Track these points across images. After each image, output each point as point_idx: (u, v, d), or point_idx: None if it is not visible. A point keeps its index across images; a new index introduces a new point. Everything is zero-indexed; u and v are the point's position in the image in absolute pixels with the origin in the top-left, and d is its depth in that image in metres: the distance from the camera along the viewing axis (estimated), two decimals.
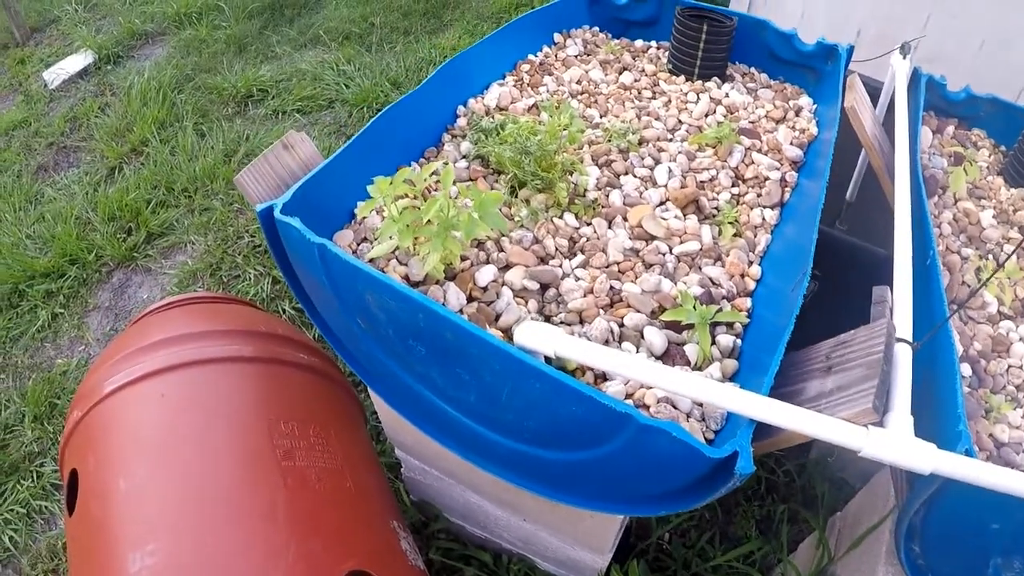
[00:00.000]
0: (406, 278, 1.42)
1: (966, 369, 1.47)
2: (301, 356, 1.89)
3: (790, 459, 2.66)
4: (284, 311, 3.19)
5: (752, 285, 1.52)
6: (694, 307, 1.35)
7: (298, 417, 1.72)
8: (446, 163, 1.41)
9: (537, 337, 1.14)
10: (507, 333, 1.32)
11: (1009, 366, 1.52)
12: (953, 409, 1.21)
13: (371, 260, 1.44)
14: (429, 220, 1.35)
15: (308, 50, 5.09)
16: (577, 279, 1.46)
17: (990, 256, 1.76)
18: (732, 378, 1.33)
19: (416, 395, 1.44)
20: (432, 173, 1.42)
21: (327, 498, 1.61)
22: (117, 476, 1.52)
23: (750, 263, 1.57)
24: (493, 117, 1.85)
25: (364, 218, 1.54)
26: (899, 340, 1.26)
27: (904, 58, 2.17)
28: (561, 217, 1.59)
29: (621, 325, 1.38)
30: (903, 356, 1.24)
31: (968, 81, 2.21)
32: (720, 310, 1.38)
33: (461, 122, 1.87)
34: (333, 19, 5.39)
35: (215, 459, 1.55)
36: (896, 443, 1.08)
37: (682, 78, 2.19)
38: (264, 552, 1.42)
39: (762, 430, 1.20)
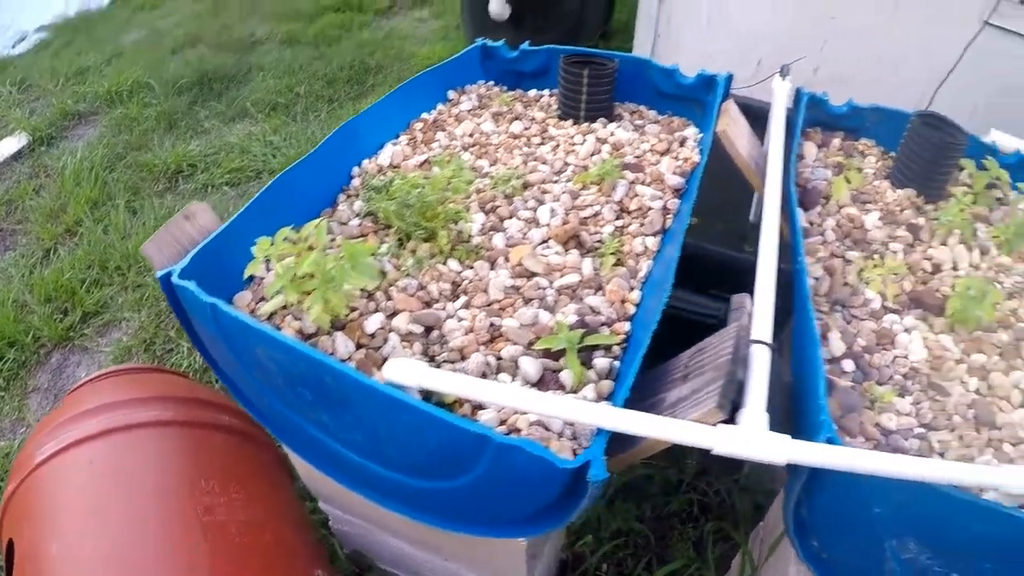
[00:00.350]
0: (300, 332, 1.49)
1: (849, 365, 1.55)
2: (223, 418, 1.96)
3: (723, 478, 2.74)
4: (216, 380, 3.24)
5: (632, 310, 1.60)
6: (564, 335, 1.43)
7: (219, 475, 1.79)
8: (319, 222, 1.49)
9: (402, 372, 1.22)
10: None
11: (895, 357, 1.60)
12: (816, 400, 1.29)
13: (269, 317, 1.53)
14: (312, 275, 1.43)
15: (236, 123, 5.18)
16: (460, 319, 1.55)
17: (875, 255, 1.86)
18: (608, 397, 1.41)
19: (316, 441, 1.51)
20: (312, 230, 1.51)
21: (248, 550, 1.68)
22: (50, 541, 1.58)
23: (631, 289, 1.65)
24: (385, 175, 1.94)
25: (262, 278, 1.62)
26: (756, 342, 1.35)
27: (783, 79, 2.29)
28: (445, 263, 1.68)
29: (499, 358, 1.46)
30: (760, 356, 1.33)
31: (872, 97, 2.31)
32: (587, 334, 1.46)
33: (356, 182, 1.96)
34: (260, 91, 5.48)
35: (139, 518, 1.62)
36: (746, 438, 1.16)
37: (570, 122, 2.30)
38: None
39: (626, 441, 1.29)
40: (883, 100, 2.34)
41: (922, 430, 1.46)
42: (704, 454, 2.47)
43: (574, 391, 1.41)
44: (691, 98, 2.35)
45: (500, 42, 2.53)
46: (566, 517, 1.30)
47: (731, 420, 1.23)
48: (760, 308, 1.43)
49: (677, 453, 2.90)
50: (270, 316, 1.53)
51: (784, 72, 2.35)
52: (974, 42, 3.72)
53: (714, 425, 1.19)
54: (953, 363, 1.61)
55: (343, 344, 1.46)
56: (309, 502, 2.27)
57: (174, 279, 1.44)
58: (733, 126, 2.04)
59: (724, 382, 1.24)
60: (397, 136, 2.19)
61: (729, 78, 2.34)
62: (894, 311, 1.73)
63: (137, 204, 4.37)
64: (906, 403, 1.50)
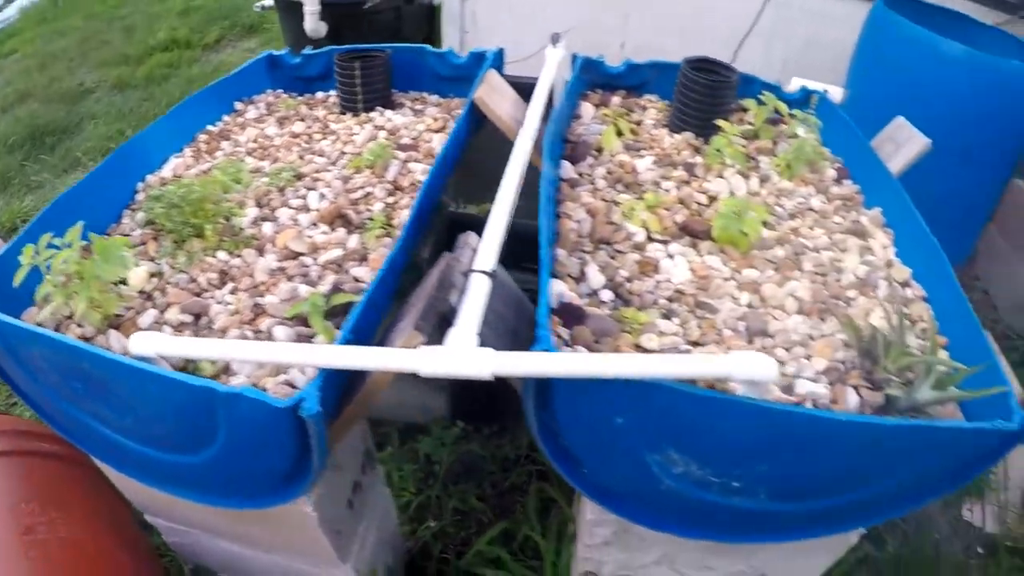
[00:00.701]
0: (83, 337, 1.55)
1: (607, 295, 1.61)
2: (42, 445, 2.04)
3: None
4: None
5: None
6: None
7: (39, 497, 1.88)
8: (78, 224, 1.56)
9: (144, 344, 1.30)
10: None
11: (658, 282, 1.67)
12: (537, 318, 1.35)
13: (58, 328, 1.58)
14: (81, 276, 1.51)
15: (69, 174, 5.12)
16: (226, 304, 1.63)
17: (645, 195, 1.94)
18: None
19: (101, 436, 1.56)
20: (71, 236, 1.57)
21: (69, 565, 1.79)
22: None
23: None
24: (167, 186, 2.00)
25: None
26: (478, 271, 1.43)
27: (555, 47, 2.42)
28: (214, 255, 1.76)
29: (257, 331, 1.54)
30: (477, 283, 1.40)
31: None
32: (333, 295, 1.56)
33: (140, 197, 2.01)
34: (92, 139, 5.43)
35: None
36: (449, 356, 1.21)
37: (349, 115, 2.40)
38: None
39: (356, 383, 1.39)
40: None
41: (688, 347, 1.51)
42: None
43: None
44: (469, 76, 2.44)
45: (284, 51, 2.61)
46: (309, 470, 1.38)
47: None
48: (486, 242, 1.51)
49: (512, 431, 3.02)
50: (57, 327, 1.58)
51: (555, 40, 2.47)
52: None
53: (415, 347, 1.26)
54: (722, 281, 1.68)
55: (116, 340, 1.53)
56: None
57: None
58: (492, 93, 2.16)
59: (424, 306, 1.33)
60: (181, 149, 2.24)
61: (499, 52, 2.46)
62: (661, 242, 1.80)
63: None
64: (671, 324, 1.56)
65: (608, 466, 1.47)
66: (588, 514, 1.80)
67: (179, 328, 1.58)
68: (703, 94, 2.16)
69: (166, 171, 2.12)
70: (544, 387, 1.34)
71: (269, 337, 1.53)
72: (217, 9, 7.71)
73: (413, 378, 1.26)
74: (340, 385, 1.42)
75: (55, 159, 5.33)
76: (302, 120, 2.41)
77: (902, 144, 2.12)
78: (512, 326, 1.53)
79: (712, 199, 1.96)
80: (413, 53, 2.52)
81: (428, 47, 2.51)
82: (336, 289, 1.60)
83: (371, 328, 1.53)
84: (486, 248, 1.49)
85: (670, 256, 1.75)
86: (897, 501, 1.44)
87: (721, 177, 2.04)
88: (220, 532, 2.06)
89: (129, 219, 1.94)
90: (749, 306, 1.63)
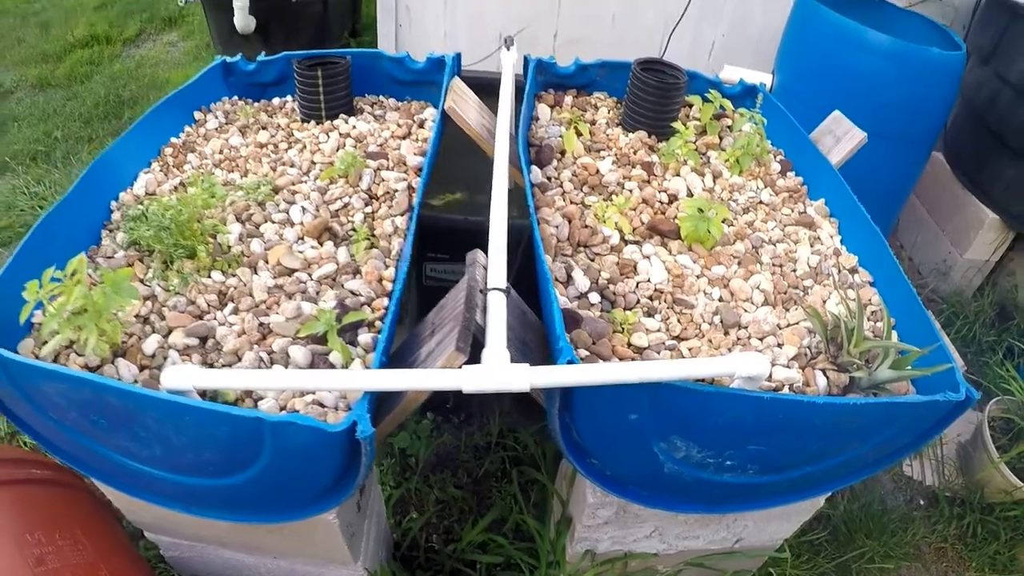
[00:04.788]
0: (86, 366, 1.56)
1: (595, 297, 1.73)
2: (40, 472, 2.04)
3: (525, 432, 2.96)
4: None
5: (390, 286, 1.74)
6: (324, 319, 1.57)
7: (44, 526, 1.88)
8: (80, 256, 1.55)
9: (177, 377, 1.32)
10: None
11: (638, 283, 1.81)
12: (554, 330, 1.46)
13: (56, 359, 1.58)
14: (85, 309, 1.51)
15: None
16: (231, 325, 1.66)
17: (612, 196, 2.05)
18: None
19: (122, 467, 1.57)
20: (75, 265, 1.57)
21: None
22: None
23: (386, 267, 1.79)
24: (143, 204, 2.00)
25: (40, 323, 1.67)
26: (492, 289, 1.50)
27: (508, 50, 2.48)
28: (209, 276, 1.78)
29: (270, 352, 1.58)
30: (495, 301, 1.47)
31: (616, 51, 2.51)
32: (344, 315, 1.60)
33: (116, 216, 2.00)
34: (18, 142, 5.26)
35: None
36: (489, 372, 1.29)
37: (312, 123, 2.42)
38: None
39: (391, 400, 1.43)
40: (627, 53, 2.55)
41: (673, 342, 1.66)
42: (506, 413, 2.63)
43: (345, 367, 1.55)
44: (426, 81, 2.52)
45: (237, 57, 2.61)
46: (353, 482, 1.43)
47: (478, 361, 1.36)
48: (493, 259, 1.58)
49: (479, 419, 3.09)
50: (56, 358, 1.58)
51: (508, 43, 2.53)
52: None
53: (459, 367, 1.33)
54: (694, 279, 1.83)
55: (126, 369, 1.54)
56: (142, 539, 2.32)
57: None
58: (460, 101, 2.21)
59: (460, 328, 1.40)
60: (149, 164, 2.23)
61: (457, 57, 2.51)
62: (634, 243, 1.92)
63: None
64: (655, 321, 1.70)
65: (618, 456, 1.60)
66: (590, 498, 1.90)
67: (186, 352, 1.60)
68: (655, 96, 2.29)
69: (138, 188, 2.10)
70: (565, 391, 1.45)
71: (286, 357, 1.57)
72: (135, 2, 7.50)
73: None
74: (376, 403, 1.47)
75: None
76: (264, 129, 2.42)
77: (841, 138, 2.29)
78: (520, 335, 1.59)
79: (672, 197, 2.09)
80: (369, 58, 2.55)
81: (384, 52, 2.54)
82: (342, 306, 1.64)
83: (391, 344, 1.58)
84: (495, 266, 1.56)
85: (646, 257, 1.88)
86: (864, 465, 1.63)
87: (678, 175, 2.18)
88: (228, 543, 2.10)
89: (109, 240, 1.92)
90: (720, 300, 1.79)
